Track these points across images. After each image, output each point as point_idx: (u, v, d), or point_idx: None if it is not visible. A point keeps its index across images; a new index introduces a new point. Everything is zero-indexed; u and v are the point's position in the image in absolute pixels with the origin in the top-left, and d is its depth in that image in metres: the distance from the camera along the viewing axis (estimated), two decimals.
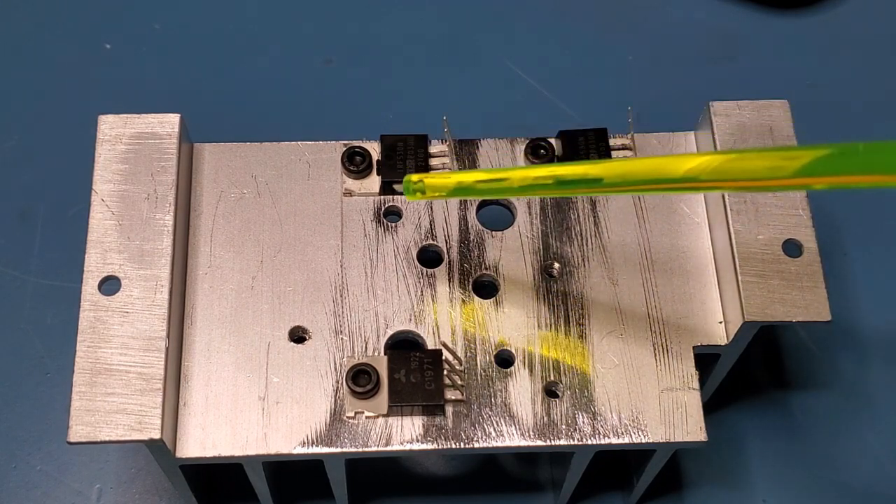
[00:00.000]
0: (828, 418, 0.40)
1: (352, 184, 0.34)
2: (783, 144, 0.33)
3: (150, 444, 0.29)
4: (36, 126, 0.45)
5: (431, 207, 0.34)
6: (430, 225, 0.34)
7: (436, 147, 0.34)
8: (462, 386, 0.31)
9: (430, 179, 0.31)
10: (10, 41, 0.47)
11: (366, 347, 0.32)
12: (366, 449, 0.31)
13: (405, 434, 0.31)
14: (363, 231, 0.34)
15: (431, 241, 0.34)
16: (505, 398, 0.31)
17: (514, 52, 0.47)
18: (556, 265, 0.33)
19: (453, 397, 0.31)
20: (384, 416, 0.31)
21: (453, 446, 0.31)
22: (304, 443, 0.31)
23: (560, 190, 0.28)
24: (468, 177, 0.30)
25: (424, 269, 0.33)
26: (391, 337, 0.32)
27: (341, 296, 0.33)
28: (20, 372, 0.40)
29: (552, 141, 0.34)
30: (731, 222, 0.32)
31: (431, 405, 0.31)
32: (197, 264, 0.33)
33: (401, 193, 0.34)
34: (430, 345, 0.32)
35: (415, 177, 0.31)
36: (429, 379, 0.31)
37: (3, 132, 0.45)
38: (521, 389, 0.31)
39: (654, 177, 0.25)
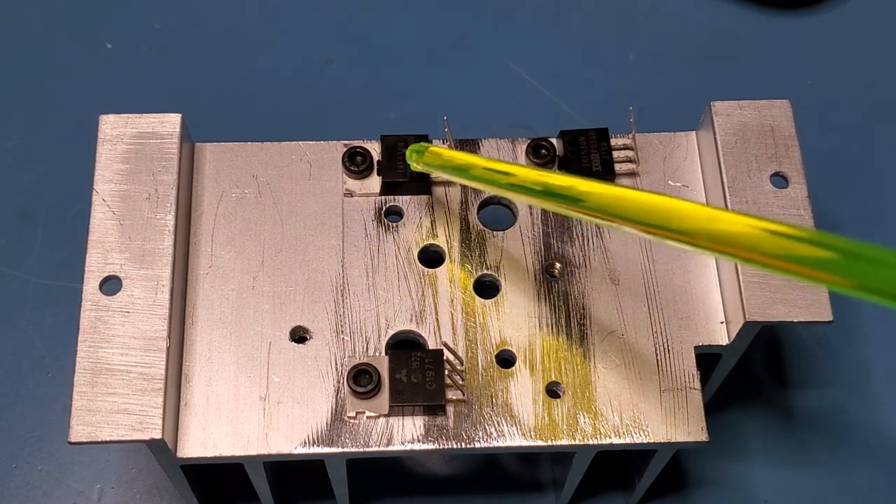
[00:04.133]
0: (829, 418, 0.40)
1: (353, 184, 0.34)
2: (786, 146, 0.33)
3: (151, 444, 0.29)
4: (36, 126, 0.45)
5: (433, 208, 0.34)
6: (431, 225, 0.34)
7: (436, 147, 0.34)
8: (463, 386, 0.31)
9: (435, 149, 0.31)
10: (10, 41, 0.47)
11: (367, 347, 0.32)
12: (367, 449, 0.30)
13: (406, 434, 0.31)
14: (364, 231, 0.34)
15: (432, 241, 0.34)
16: (506, 398, 0.31)
17: (514, 52, 0.47)
18: (558, 265, 0.33)
19: (454, 397, 0.31)
20: (385, 416, 0.31)
21: (454, 446, 0.31)
22: (305, 443, 0.31)
23: (544, 200, 0.26)
24: (473, 160, 0.30)
25: (425, 269, 0.33)
26: (392, 337, 0.32)
27: (342, 296, 0.33)
28: (21, 372, 0.40)
29: (553, 141, 0.34)
30: None
31: (433, 405, 0.31)
32: (198, 264, 0.33)
33: (402, 194, 0.34)
34: (432, 345, 0.32)
35: (418, 146, 0.32)
36: (430, 379, 0.31)
37: (3, 132, 0.45)
38: (523, 389, 0.31)
39: (647, 219, 0.22)
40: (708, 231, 0.21)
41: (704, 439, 0.31)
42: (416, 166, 0.33)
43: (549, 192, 0.26)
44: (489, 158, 0.29)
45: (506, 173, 0.28)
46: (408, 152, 0.33)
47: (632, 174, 0.34)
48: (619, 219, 0.23)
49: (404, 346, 0.32)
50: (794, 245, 0.20)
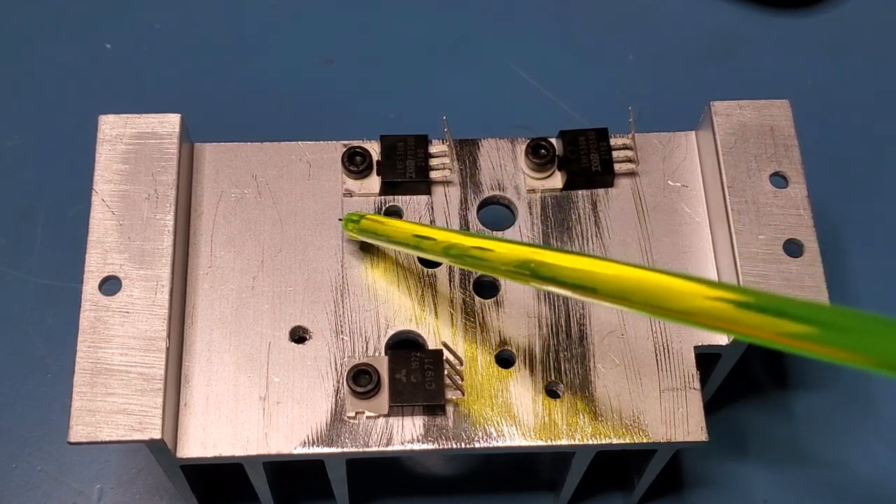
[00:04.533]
0: (828, 418, 0.40)
1: (352, 184, 0.34)
2: (786, 146, 0.33)
3: (151, 444, 0.29)
4: (36, 126, 0.45)
5: (432, 208, 0.34)
6: (431, 224, 0.34)
7: (436, 147, 0.34)
8: (463, 386, 0.31)
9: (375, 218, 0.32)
10: (10, 41, 0.47)
11: (366, 347, 0.32)
12: (366, 449, 0.30)
13: (406, 434, 0.31)
14: None
15: None
16: (506, 398, 0.31)
17: (514, 52, 0.47)
18: None
19: (454, 397, 0.31)
20: (385, 416, 0.31)
21: (454, 446, 0.31)
22: (304, 443, 0.31)
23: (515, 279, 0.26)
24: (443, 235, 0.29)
25: (425, 269, 0.33)
26: (392, 337, 0.32)
27: (342, 296, 0.33)
28: (21, 372, 0.40)
29: (553, 141, 0.34)
30: (731, 222, 0.32)
31: (432, 405, 0.31)
32: (197, 264, 0.33)
33: (401, 193, 0.34)
34: (431, 345, 0.32)
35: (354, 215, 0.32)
36: (429, 379, 0.31)
37: (3, 132, 0.45)
38: (522, 389, 0.31)
39: (626, 296, 0.22)
40: (689, 309, 0.21)
41: (704, 439, 0.31)
42: (352, 235, 0.33)
43: (535, 276, 0.25)
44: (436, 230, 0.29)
45: (488, 251, 0.27)
46: (343, 221, 0.33)
47: (631, 174, 0.34)
48: (602, 296, 0.23)
49: (404, 346, 0.32)
50: (768, 321, 0.19)
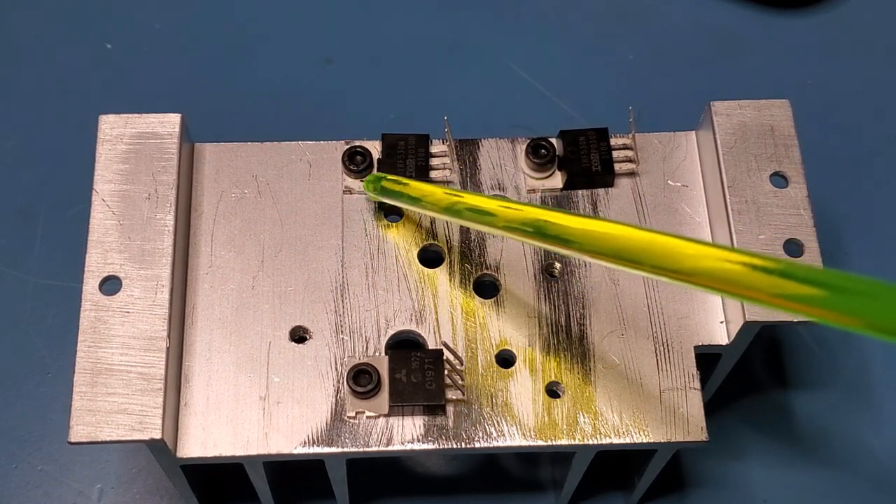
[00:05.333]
0: (829, 418, 0.40)
1: (353, 183, 0.34)
2: (786, 146, 0.33)
3: (151, 444, 0.29)
4: (36, 126, 0.45)
5: None
6: (431, 224, 0.34)
7: (437, 147, 0.34)
8: (463, 386, 0.31)
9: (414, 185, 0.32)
10: (10, 41, 0.47)
11: (367, 347, 0.32)
12: (367, 449, 0.30)
13: (406, 434, 0.31)
14: (364, 230, 0.34)
15: (432, 241, 0.34)
16: (506, 398, 0.31)
17: (514, 52, 0.47)
18: (557, 265, 0.33)
19: (454, 397, 0.31)
20: (385, 415, 0.31)
21: (454, 446, 0.31)
22: (305, 443, 0.31)
23: (531, 239, 0.26)
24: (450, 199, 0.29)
25: (425, 269, 0.33)
26: (392, 337, 0.32)
27: (342, 295, 0.33)
28: (21, 372, 0.40)
29: (553, 141, 0.34)
30: (732, 222, 0.32)
31: (432, 405, 0.31)
32: (198, 264, 0.33)
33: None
34: (431, 345, 0.32)
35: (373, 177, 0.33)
36: (430, 379, 0.31)
37: (3, 132, 0.45)
38: (522, 389, 0.31)
39: (643, 259, 0.22)
40: (697, 269, 0.21)
41: (704, 439, 0.31)
42: (373, 196, 0.33)
43: (540, 234, 0.25)
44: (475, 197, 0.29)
45: (476, 209, 0.28)
46: (364, 182, 0.34)
47: (631, 174, 0.34)
48: (600, 255, 0.23)
49: (404, 346, 0.32)
50: (780, 282, 0.19)
